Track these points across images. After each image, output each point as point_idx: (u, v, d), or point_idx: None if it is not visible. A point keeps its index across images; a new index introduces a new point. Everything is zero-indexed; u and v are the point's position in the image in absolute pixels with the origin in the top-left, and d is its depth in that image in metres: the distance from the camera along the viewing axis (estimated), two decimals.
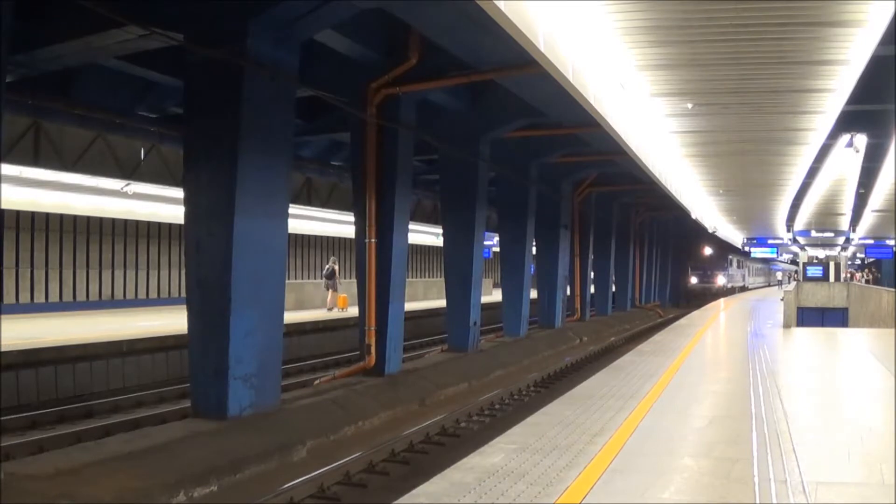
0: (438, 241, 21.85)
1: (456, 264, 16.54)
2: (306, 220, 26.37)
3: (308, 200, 27.32)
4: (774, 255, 51.86)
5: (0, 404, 10.50)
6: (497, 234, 23.93)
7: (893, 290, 20.17)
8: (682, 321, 21.49)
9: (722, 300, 35.77)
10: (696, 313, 25.15)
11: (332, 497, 7.57)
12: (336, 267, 22.54)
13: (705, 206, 26.23)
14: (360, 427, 10.31)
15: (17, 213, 19.01)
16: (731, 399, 8.31)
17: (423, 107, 13.77)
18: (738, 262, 52.60)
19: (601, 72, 9.35)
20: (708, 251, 46.79)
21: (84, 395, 12.34)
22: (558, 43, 7.46)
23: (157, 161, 21.09)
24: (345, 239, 30.00)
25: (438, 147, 15.72)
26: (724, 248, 45.34)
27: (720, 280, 47.17)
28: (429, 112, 14.53)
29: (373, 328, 12.49)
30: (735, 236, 39.52)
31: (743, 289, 53.16)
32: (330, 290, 21.92)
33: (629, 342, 21.79)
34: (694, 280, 47.25)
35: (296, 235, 27.38)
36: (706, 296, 43.24)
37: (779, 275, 66.37)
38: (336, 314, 20.45)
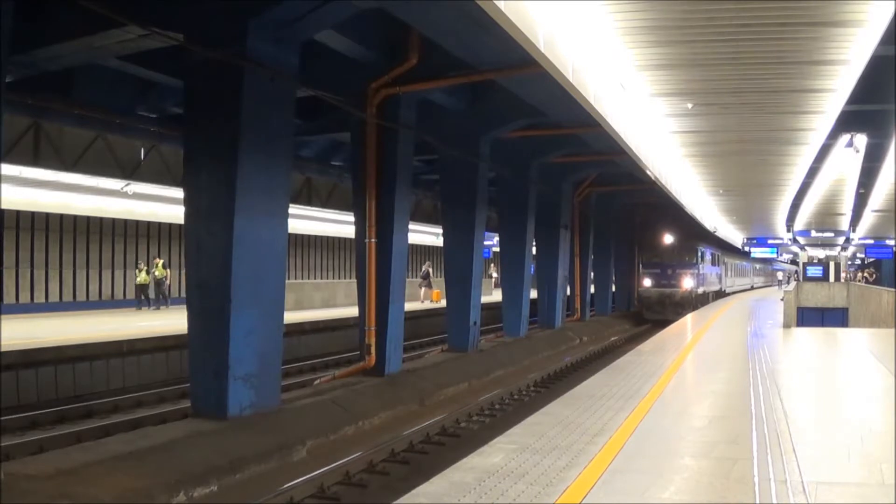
0: (438, 241, 21.84)
1: (456, 264, 16.56)
2: (306, 220, 26.41)
3: (308, 200, 27.31)
4: (774, 255, 49.50)
5: (0, 404, 10.50)
6: (497, 234, 23.94)
7: (893, 290, 20.15)
8: (683, 321, 21.49)
9: (690, 316, 23.48)
10: (695, 314, 25.13)
11: (332, 497, 7.57)
12: (430, 269, 28.73)
13: (705, 206, 26.24)
14: (360, 427, 10.31)
15: (17, 213, 19.02)
16: (731, 399, 8.29)
17: (423, 107, 13.76)
18: (714, 256, 36.09)
19: (601, 72, 9.36)
20: (669, 239, 31.82)
21: (84, 395, 12.34)
22: (558, 43, 7.47)
23: (157, 161, 21.07)
24: (344, 239, 30.03)
25: (438, 147, 15.71)
26: (691, 235, 31.99)
27: (687, 283, 31.01)
28: (429, 112, 14.52)
29: (373, 328, 12.50)
30: (735, 236, 39.42)
31: (719, 294, 37.14)
32: (423, 288, 27.21)
33: (629, 342, 21.80)
34: (648, 283, 31.58)
35: (296, 235, 27.39)
36: (666, 306, 30.11)
37: (779, 275, 65.50)
38: (428, 305, 25.29)
